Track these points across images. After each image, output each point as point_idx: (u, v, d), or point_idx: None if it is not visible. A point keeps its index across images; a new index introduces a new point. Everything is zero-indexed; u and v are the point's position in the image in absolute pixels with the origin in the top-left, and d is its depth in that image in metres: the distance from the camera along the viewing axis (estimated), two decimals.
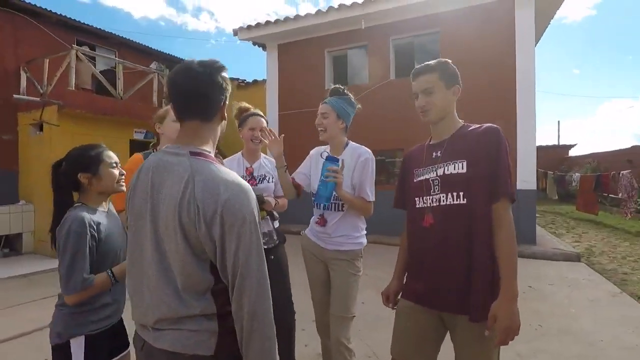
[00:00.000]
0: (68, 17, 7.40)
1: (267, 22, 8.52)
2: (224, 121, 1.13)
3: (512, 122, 6.63)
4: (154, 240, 1.00)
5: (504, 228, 1.35)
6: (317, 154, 2.15)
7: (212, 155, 1.08)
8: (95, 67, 7.46)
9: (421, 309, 1.51)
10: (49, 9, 7.17)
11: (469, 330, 1.39)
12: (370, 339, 3.06)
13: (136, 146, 6.85)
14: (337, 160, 1.87)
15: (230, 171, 1.03)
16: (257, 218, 0.99)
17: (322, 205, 1.99)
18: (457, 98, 1.53)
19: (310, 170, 2.13)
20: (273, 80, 9.04)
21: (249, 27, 8.74)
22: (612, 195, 10.01)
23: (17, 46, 6.87)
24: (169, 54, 9.74)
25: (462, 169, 1.41)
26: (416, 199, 1.55)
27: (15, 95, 5.96)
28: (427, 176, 1.51)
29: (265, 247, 2.13)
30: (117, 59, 7.75)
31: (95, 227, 1.40)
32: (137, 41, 9.03)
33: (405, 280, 1.66)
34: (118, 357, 1.50)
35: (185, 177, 0.97)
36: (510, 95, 6.66)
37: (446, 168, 1.45)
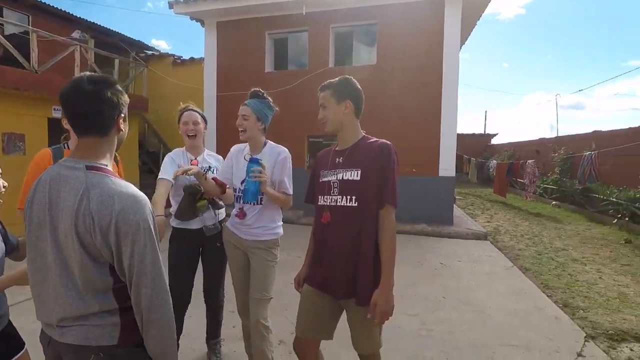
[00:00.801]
0: None
1: None
2: (121, 132, 1.20)
3: (437, 114, 7.21)
4: (54, 248, 1.09)
5: (387, 230, 1.63)
6: (236, 152, 2.30)
7: (109, 167, 1.15)
8: (3, 32, 6.66)
9: (319, 293, 1.78)
10: None
11: (356, 311, 1.69)
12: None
13: (56, 125, 6.33)
14: (259, 161, 2.04)
15: (126, 183, 1.12)
16: (151, 224, 1.10)
17: (242, 200, 2.17)
18: (350, 111, 1.74)
19: (232, 168, 2.28)
20: (211, 59, 8.76)
21: (187, 0, 8.32)
22: (520, 180, 11.43)
23: None
24: (93, 22, 8.94)
25: (357, 176, 1.66)
26: (320, 197, 1.80)
27: None
28: (329, 178, 1.75)
29: (208, 235, 2.34)
30: (30, 27, 6.96)
31: None
32: (55, 5, 8.15)
33: (309, 266, 1.92)
34: (14, 358, 1.55)
35: (80, 191, 1.05)
36: (436, 89, 7.21)
37: (344, 174, 1.69)
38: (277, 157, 2.17)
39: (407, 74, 7.38)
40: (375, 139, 1.76)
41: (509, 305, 3.72)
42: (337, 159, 1.75)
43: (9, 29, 7.33)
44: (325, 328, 1.82)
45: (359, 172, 1.65)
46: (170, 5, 8.46)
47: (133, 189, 1.11)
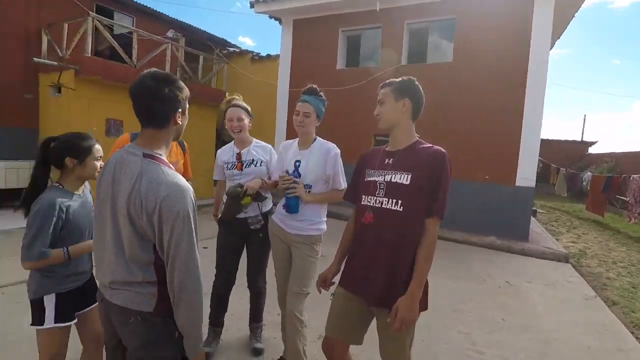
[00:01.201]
0: None
1: None
2: (178, 125, 1.33)
3: (519, 117, 6.55)
4: (112, 221, 1.25)
5: (428, 241, 1.57)
6: (284, 148, 2.37)
7: (163, 156, 1.30)
8: (113, 32, 7.66)
9: (351, 296, 1.74)
10: None
11: (386, 319, 1.61)
12: None
13: None
14: (295, 176, 2.15)
15: (174, 173, 1.25)
16: (191, 213, 1.21)
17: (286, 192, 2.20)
18: (407, 111, 1.69)
19: (283, 166, 2.33)
20: (286, 55, 9.04)
21: (266, 0, 8.70)
22: (622, 198, 9.83)
23: (40, 8, 7.09)
24: (185, 22, 9.83)
25: (406, 181, 1.60)
26: (363, 196, 1.74)
27: (34, 58, 6.24)
28: (376, 178, 1.70)
29: (252, 227, 2.44)
30: (133, 28, 7.89)
31: (64, 209, 1.65)
32: (156, 9, 9.14)
33: (343, 267, 1.87)
34: (84, 310, 1.81)
35: (135, 175, 1.20)
36: (519, 89, 6.54)
37: (393, 176, 1.64)
38: (327, 154, 2.20)
39: (487, 72, 6.80)
40: (429, 144, 1.68)
41: (582, 340, 3.23)
42: (387, 160, 1.70)
43: (117, 30, 8.40)
44: (353, 332, 1.78)
45: (409, 176, 1.60)
46: (252, 5, 8.91)
47: (178, 179, 1.23)
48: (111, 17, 8.19)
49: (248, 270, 2.62)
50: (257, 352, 2.61)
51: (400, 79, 1.73)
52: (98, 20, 6.37)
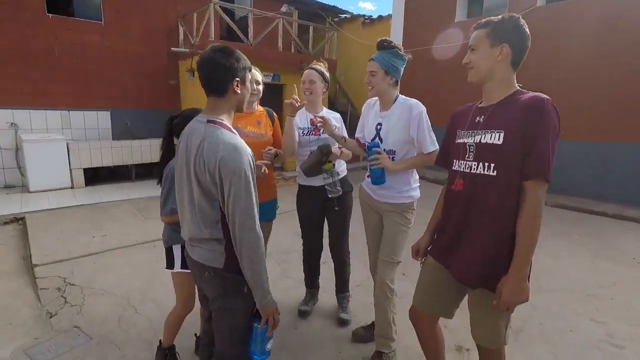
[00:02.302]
0: None
1: None
2: (238, 94, 1.41)
3: None
4: (187, 182, 1.40)
5: (529, 208, 1.32)
6: (367, 108, 2.25)
7: (225, 121, 1.39)
8: (234, 16, 8.35)
9: (441, 267, 1.61)
10: None
11: (479, 295, 1.48)
12: None
13: (265, 88, 7.64)
14: (377, 144, 2.00)
15: (232, 135, 1.34)
16: (248, 170, 1.29)
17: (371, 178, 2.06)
18: (504, 59, 1.40)
19: (363, 128, 2.24)
20: (398, 14, 8.54)
21: None
22: None
23: (177, 3, 8.16)
24: None
25: (498, 140, 1.36)
26: (454, 160, 1.57)
27: (172, 48, 7.29)
28: (465, 140, 1.50)
29: (330, 196, 2.41)
30: (250, 8, 8.45)
31: None
32: None
33: (435, 237, 1.73)
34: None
35: (200, 139, 1.33)
36: None
37: (483, 136, 1.42)
38: (409, 113, 2.00)
39: None
40: (531, 92, 1.37)
41: None
42: (478, 118, 1.48)
43: (237, 12, 9.12)
44: (444, 305, 1.65)
45: (501, 134, 1.36)
46: None
47: (236, 141, 1.32)
48: (232, 1, 8.92)
49: (330, 239, 2.63)
50: (343, 322, 2.62)
51: (499, 17, 1.42)
52: (218, 6, 6.97)
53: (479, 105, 1.52)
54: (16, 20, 6.46)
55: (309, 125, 2.47)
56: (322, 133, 2.42)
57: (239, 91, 1.40)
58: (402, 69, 2.06)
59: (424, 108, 2.01)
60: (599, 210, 5.49)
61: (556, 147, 1.32)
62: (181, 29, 7.98)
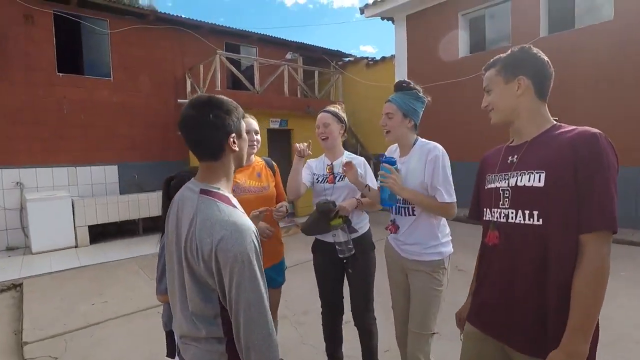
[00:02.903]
0: (216, 24, 8.55)
1: None
2: (237, 151, 1.16)
3: None
4: (178, 266, 1.12)
5: (591, 266, 1.05)
6: (389, 154, 2.02)
7: (222, 191, 1.13)
8: (240, 66, 8.50)
9: (486, 337, 1.32)
10: (202, 20, 8.42)
11: None
12: None
13: (273, 134, 7.61)
14: (393, 161, 1.76)
15: (231, 210, 1.07)
16: (252, 255, 1.02)
17: (392, 208, 1.89)
18: (525, 91, 1.23)
19: None
20: (402, 54, 8.57)
21: (375, 2, 8.43)
22: None
23: (184, 56, 8.35)
24: (302, 42, 10.30)
25: (539, 182, 1.14)
26: (485, 209, 1.34)
27: (178, 100, 7.36)
28: (497, 184, 1.27)
29: (341, 256, 2.10)
30: (256, 57, 8.62)
31: None
32: (275, 35, 9.82)
33: (471, 301, 1.45)
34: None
35: (191, 215, 1.06)
36: None
37: (520, 178, 1.20)
38: (426, 157, 1.78)
39: None
40: (576, 127, 1.15)
41: None
42: (510, 158, 1.27)
43: (243, 62, 9.32)
44: None
45: (543, 175, 1.13)
46: (361, 11, 8.76)
47: (237, 217, 1.06)
48: (238, 51, 9.12)
49: (351, 304, 2.26)
50: None
51: (508, 52, 1.28)
52: (224, 57, 7.08)
53: (510, 145, 1.33)
54: (28, 81, 6.59)
55: (325, 173, 2.23)
56: (338, 180, 2.17)
57: (236, 148, 1.15)
58: (422, 112, 1.89)
59: (442, 152, 1.79)
60: (636, 240, 5.03)
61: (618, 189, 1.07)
62: (188, 81, 8.08)
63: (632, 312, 3.13)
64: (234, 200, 1.14)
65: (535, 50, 1.24)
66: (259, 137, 2.14)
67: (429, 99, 1.90)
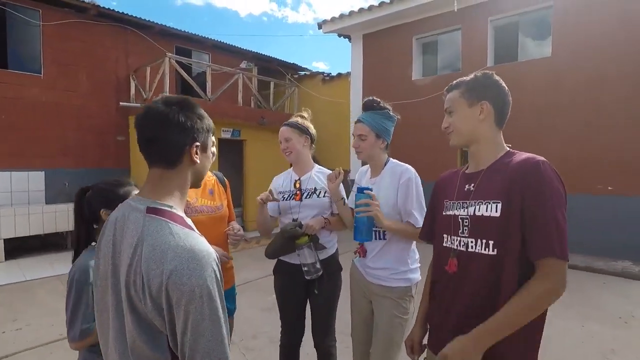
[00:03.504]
0: (167, 25, 8.10)
1: (351, 13, 8.19)
2: (197, 164, 0.97)
3: None
4: (114, 305, 0.90)
5: (540, 286, 1.06)
6: (360, 175, 1.97)
7: (175, 209, 0.92)
8: (192, 71, 8.09)
9: None
10: (151, 20, 7.93)
11: None
12: None
13: (224, 145, 7.28)
14: (364, 191, 1.66)
15: (187, 233, 0.87)
16: (213, 288, 0.83)
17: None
18: (487, 117, 1.24)
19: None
20: (357, 72, 8.70)
21: (333, 19, 8.52)
22: None
23: (129, 56, 7.78)
24: (258, 52, 10.11)
25: (496, 212, 1.13)
26: (444, 235, 1.31)
27: (121, 103, 6.80)
28: (457, 212, 1.26)
29: (308, 278, 1.93)
30: (209, 63, 8.28)
31: None
32: (229, 43, 9.53)
33: (429, 328, 1.42)
34: None
35: (135, 241, 0.86)
36: None
37: (478, 207, 1.19)
38: (399, 180, 1.73)
39: (596, 65, 5.64)
40: (525, 154, 1.19)
41: None
42: (467, 186, 1.26)
43: (194, 67, 8.91)
44: None
45: (499, 205, 1.13)
46: (319, 26, 8.81)
47: (194, 242, 0.86)
48: (189, 56, 8.70)
49: (312, 326, 2.12)
50: None
51: (472, 76, 1.29)
52: (174, 60, 6.69)
53: (466, 172, 1.32)
54: None
55: (292, 189, 2.08)
56: (306, 197, 2.03)
57: (197, 160, 0.97)
58: (392, 130, 1.86)
59: (414, 175, 1.76)
60: (570, 264, 5.41)
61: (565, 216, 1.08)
62: (132, 83, 7.52)
63: (568, 333, 3.27)
64: (189, 221, 0.94)
65: (497, 77, 1.26)
66: (214, 149, 1.94)
67: (399, 117, 1.87)
